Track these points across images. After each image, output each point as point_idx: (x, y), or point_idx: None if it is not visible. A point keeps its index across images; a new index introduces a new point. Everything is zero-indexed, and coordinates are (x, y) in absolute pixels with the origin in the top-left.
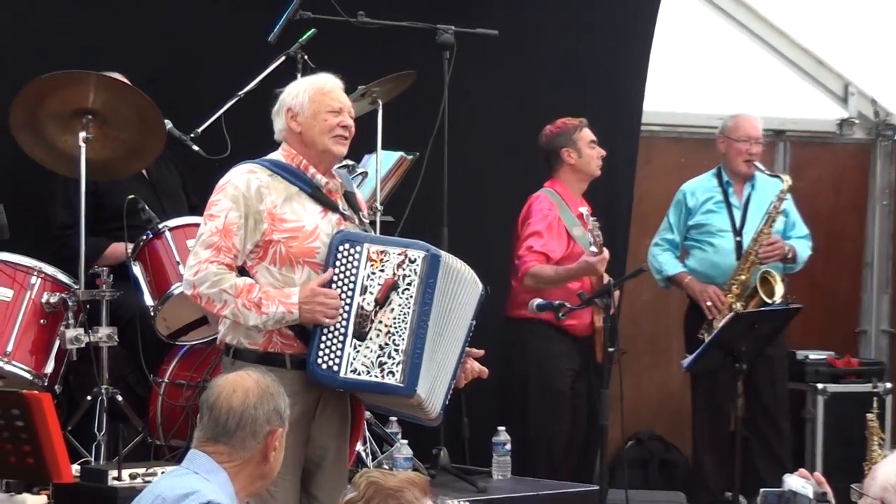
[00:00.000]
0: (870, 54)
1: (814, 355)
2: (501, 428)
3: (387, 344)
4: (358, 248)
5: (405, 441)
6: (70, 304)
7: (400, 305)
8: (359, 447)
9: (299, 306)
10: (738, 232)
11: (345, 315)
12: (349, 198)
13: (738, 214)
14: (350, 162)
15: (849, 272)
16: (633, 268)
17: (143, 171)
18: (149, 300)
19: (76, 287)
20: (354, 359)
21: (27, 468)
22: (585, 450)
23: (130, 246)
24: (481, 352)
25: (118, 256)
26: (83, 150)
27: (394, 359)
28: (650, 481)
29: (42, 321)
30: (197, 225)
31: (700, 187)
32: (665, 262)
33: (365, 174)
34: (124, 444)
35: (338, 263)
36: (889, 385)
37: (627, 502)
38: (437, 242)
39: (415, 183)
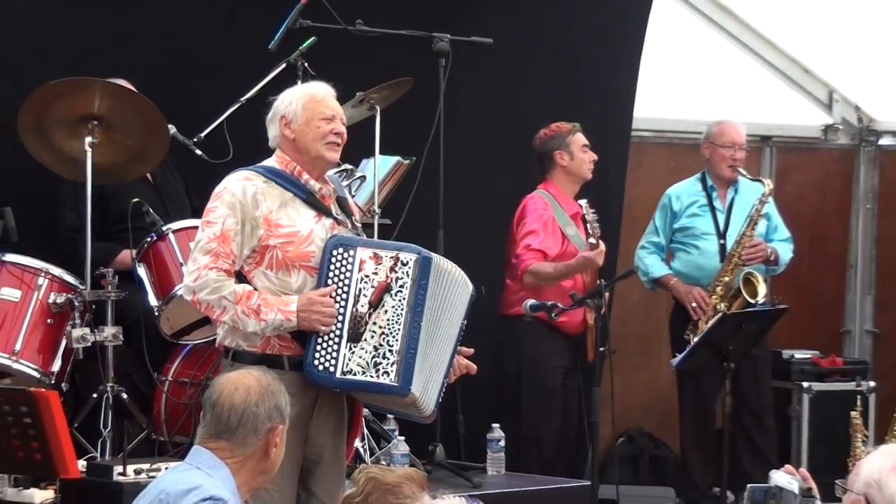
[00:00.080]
0: (854, 62)
1: (799, 354)
2: (496, 425)
3: (381, 345)
4: (351, 252)
5: (402, 437)
6: (76, 304)
7: (393, 307)
8: (357, 444)
9: (297, 314)
10: (721, 235)
11: (340, 318)
12: (341, 203)
13: (721, 218)
14: (348, 166)
15: (833, 274)
16: (624, 270)
17: (148, 175)
18: (153, 300)
19: (82, 288)
20: (350, 360)
21: (35, 464)
22: (577, 446)
23: (134, 252)
24: (471, 350)
25: (128, 262)
26: (89, 155)
27: (388, 359)
28: (640, 477)
29: (49, 321)
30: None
31: (685, 191)
32: (651, 264)
33: (363, 178)
34: (129, 440)
35: (332, 267)
36: (872, 384)
37: (618, 497)
38: (433, 244)
39: (411, 186)
